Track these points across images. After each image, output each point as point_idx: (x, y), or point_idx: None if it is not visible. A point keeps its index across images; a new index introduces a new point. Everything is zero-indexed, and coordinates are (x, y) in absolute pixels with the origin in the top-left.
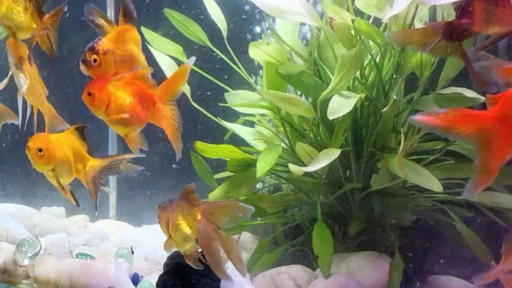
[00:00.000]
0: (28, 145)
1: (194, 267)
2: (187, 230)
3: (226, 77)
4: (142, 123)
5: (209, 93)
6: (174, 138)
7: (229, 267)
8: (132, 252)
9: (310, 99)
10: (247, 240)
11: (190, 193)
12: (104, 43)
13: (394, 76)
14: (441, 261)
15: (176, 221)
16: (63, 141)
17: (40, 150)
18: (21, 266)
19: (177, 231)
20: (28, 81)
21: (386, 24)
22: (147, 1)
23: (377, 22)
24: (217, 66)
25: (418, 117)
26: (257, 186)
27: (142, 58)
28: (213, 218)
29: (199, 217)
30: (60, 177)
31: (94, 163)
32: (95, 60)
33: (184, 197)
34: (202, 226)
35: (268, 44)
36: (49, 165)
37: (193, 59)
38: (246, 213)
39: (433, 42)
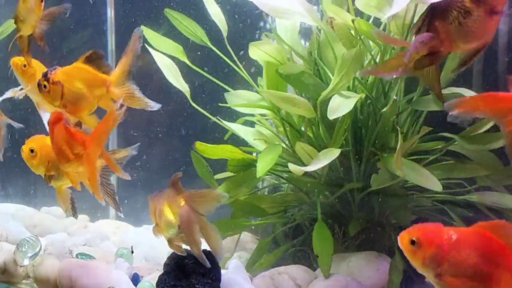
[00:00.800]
0: (22, 148)
1: (177, 253)
2: (170, 216)
3: (227, 77)
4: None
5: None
6: (93, 186)
7: (229, 267)
8: (132, 252)
9: (310, 99)
10: (247, 240)
11: (177, 181)
12: (57, 74)
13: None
14: None
15: (161, 208)
16: None
17: (32, 151)
18: (21, 266)
19: (162, 217)
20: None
21: (386, 24)
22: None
23: (377, 22)
24: (220, 66)
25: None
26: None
27: (88, 99)
28: (195, 204)
29: (182, 203)
30: (58, 179)
31: None
32: (45, 86)
33: (171, 185)
34: (184, 212)
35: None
36: (44, 166)
37: (122, 110)
38: (221, 199)
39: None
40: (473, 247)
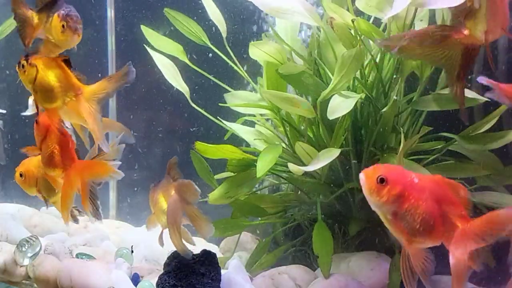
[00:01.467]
0: (15, 175)
1: (159, 242)
2: (163, 204)
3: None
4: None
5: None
6: (63, 207)
7: (229, 267)
8: (132, 252)
9: (310, 99)
10: (247, 240)
11: (171, 167)
12: (36, 59)
13: (394, 76)
14: (442, 261)
15: (157, 197)
16: None
17: (21, 175)
18: (21, 266)
19: (156, 205)
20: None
21: (386, 24)
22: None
23: (377, 22)
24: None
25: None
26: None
27: (56, 95)
28: (183, 194)
29: (172, 192)
30: (52, 195)
31: None
32: (23, 66)
33: (167, 173)
34: (171, 201)
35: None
36: (34, 187)
37: (119, 174)
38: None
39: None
40: (430, 192)
